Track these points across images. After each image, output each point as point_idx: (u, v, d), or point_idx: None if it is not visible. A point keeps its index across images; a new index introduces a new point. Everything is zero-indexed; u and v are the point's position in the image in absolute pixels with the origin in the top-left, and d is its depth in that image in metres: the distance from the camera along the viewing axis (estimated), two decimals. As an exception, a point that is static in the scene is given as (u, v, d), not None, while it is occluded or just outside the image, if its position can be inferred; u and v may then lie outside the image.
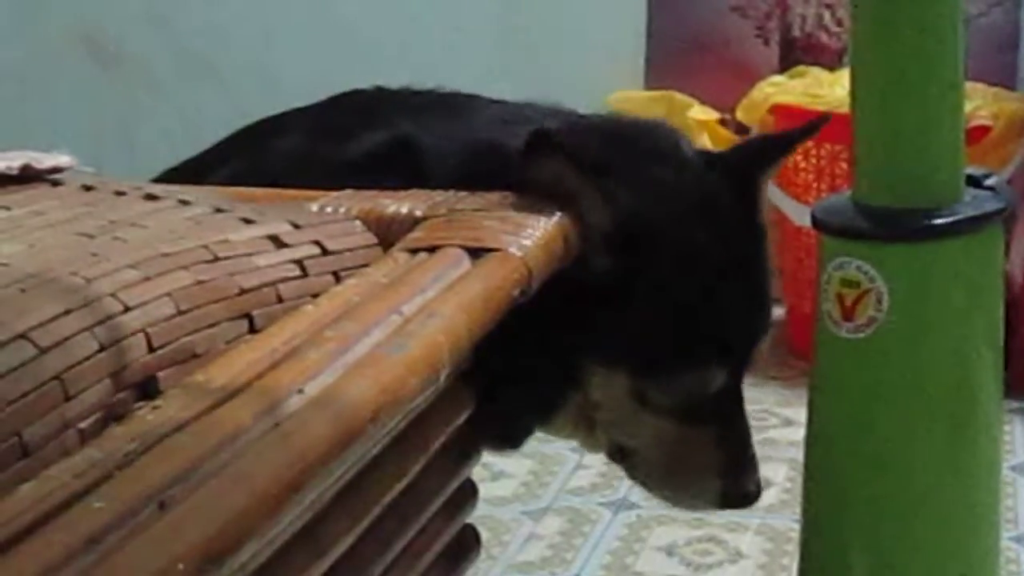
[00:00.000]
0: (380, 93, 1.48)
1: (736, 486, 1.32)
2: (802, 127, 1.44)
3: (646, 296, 1.25)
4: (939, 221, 1.29)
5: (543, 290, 1.11)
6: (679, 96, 3.10)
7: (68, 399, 0.83)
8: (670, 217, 1.27)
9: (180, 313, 0.93)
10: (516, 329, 1.08)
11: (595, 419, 1.32)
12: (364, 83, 1.50)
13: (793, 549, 1.86)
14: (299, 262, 1.05)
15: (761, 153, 1.41)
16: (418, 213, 1.16)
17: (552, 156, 1.20)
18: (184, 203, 1.14)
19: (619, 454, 1.36)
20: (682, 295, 1.27)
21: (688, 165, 1.33)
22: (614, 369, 1.28)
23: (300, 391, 0.81)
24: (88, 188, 1.20)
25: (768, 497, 2.15)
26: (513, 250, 1.08)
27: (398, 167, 1.31)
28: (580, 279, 1.22)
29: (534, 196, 1.19)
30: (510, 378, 1.25)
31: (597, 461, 2.27)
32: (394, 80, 1.50)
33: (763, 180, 1.37)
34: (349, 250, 1.11)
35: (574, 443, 1.43)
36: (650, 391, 1.28)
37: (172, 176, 1.44)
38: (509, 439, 1.39)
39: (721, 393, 1.30)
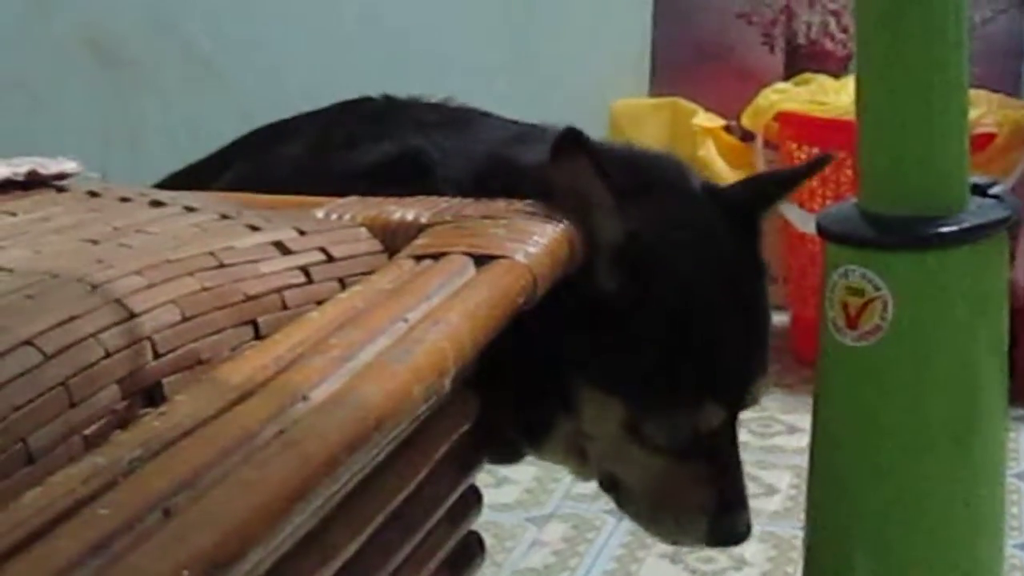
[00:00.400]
0: (389, 103, 1.48)
1: (725, 525, 1.32)
2: (806, 165, 1.46)
3: (646, 323, 1.25)
4: (944, 229, 1.29)
5: (545, 307, 1.11)
6: (684, 103, 3.10)
7: (73, 405, 0.83)
8: (677, 248, 1.27)
9: (185, 319, 0.93)
10: (519, 348, 1.08)
11: (587, 448, 1.32)
12: (368, 89, 1.50)
13: (797, 557, 1.86)
14: (304, 269, 1.05)
15: (764, 191, 1.42)
16: (423, 220, 1.17)
17: (579, 156, 1.20)
18: (189, 209, 1.14)
19: (610, 485, 1.36)
20: (682, 326, 1.26)
21: (695, 199, 1.34)
22: (609, 398, 1.27)
23: (305, 398, 0.81)
24: (94, 194, 1.20)
25: (772, 504, 2.16)
26: (518, 257, 1.08)
27: (406, 179, 1.31)
28: (583, 297, 1.22)
29: (548, 202, 1.19)
30: (510, 399, 1.25)
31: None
32: (399, 86, 1.50)
33: (764, 218, 1.37)
34: (354, 257, 1.11)
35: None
36: (644, 425, 1.28)
37: (176, 180, 1.44)
38: (505, 457, 1.39)
39: (715, 430, 1.30)
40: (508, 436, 1.34)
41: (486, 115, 1.45)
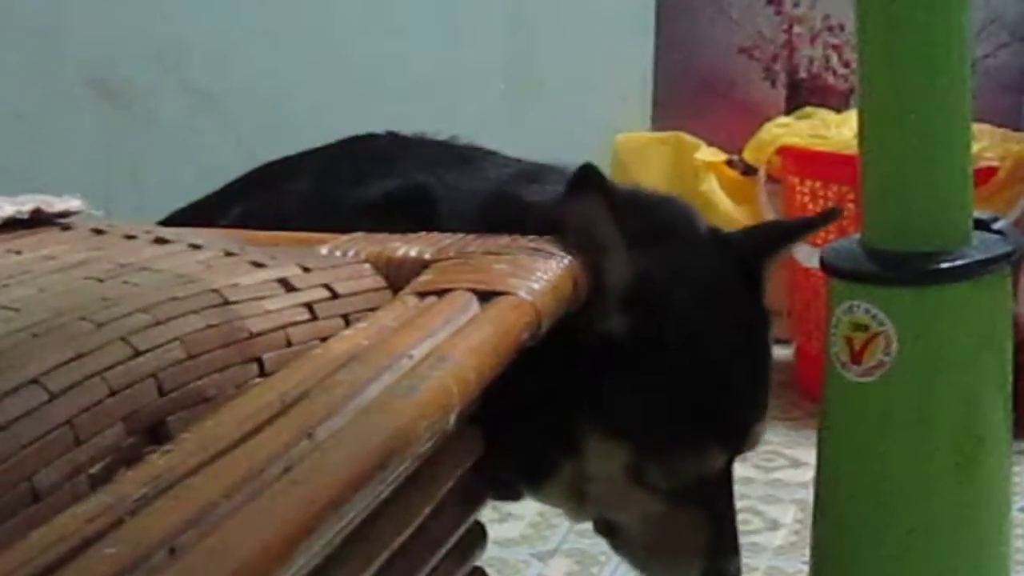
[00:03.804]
0: (394, 139, 1.48)
1: (717, 569, 1.33)
2: (814, 217, 1.46)
3: (653, 366, 1.25)
4: (948, 265, 1.29)
5: (551, 347, 1.11)
6: (686, 137, 3.11)
7: (79, 444, 0.83)
8: (685, 293, 1.28)
9: (190, 357, 0.93)
10: (523, 388, 1.08)
11: (586, 491, 1.32)
12: (371, 124, 1.50)
13: (802, 592, 1.85)
14: (309, 306, 1.05)
15: (770, 238, 1.42)
16: (427, 256, 1.17)
17: (594, 195, 1.20)
18: (194, 247, 1.14)
19: (605, 528, 1.36)
20: (689, 370, 1.27)
21: (703, 245, 1.34)
22: (614, 440, 1.28)
23: (310, 435, 0.81)
24: (98, 232, 1.20)
25: (777, 539, 2.15)
26: (522, 294, 1.08)
27: (412, 216, 1.31)
28: (591, 339, 1.22)
29: (559, 241, 1.20)
30: (512, 439, 1.25)
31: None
32: (400, 122, 1.50)
33: (770, 265, 1.37)
34: (358, 293, 1.11)
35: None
36: (648, 469, 1.28)
37: (181, 217, 1.44)
38: (508, 492, 1.39)
39: (715, 476, 1.31)
40: (505, 477, 1.34)
41: (491, 153, 1.46)
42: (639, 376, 1.25)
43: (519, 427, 1.25)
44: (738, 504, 1.35)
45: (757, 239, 1.41)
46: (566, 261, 1.17)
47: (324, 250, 1.17)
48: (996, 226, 1.34)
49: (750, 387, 1.33)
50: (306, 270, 1.09)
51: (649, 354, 1.25)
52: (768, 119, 2.97)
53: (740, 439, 1.32)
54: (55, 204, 1.23)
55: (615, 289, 1.22)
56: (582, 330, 1.20)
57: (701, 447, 1.29)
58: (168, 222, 1.41)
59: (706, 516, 1.31)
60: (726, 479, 1.33)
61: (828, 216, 1.45)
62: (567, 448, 1.29)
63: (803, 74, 3.17)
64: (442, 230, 1.26)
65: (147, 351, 0.91)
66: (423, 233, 1.23)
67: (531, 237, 1.21)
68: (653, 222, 1.30)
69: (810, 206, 2.76)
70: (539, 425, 1.27)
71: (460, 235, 1.22)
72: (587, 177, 1.20)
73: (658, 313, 1.25)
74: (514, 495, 1.40)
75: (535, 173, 1.38)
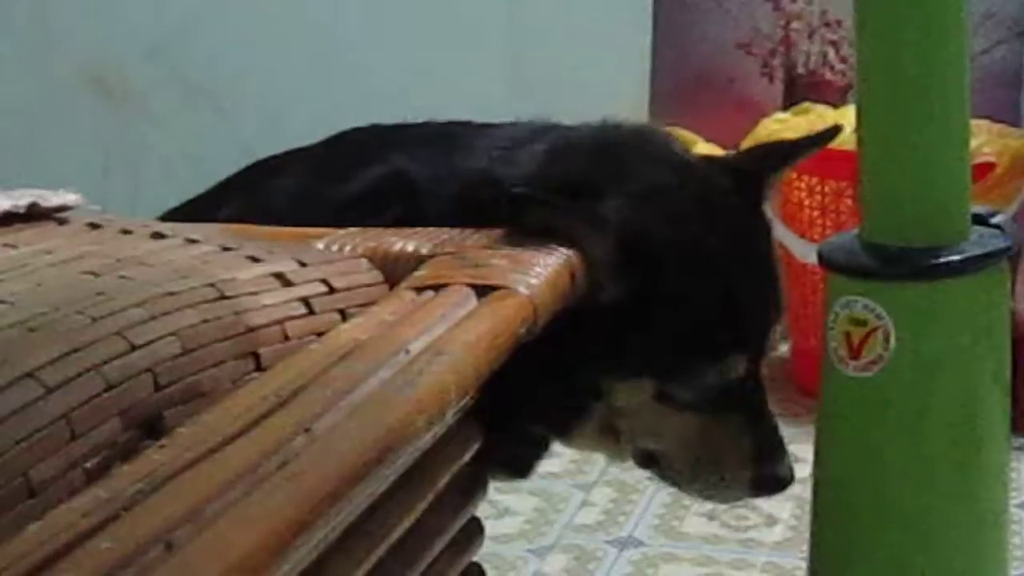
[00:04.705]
0: (376, 130, 1.48)
1: (767, 471, 1.32)
2: (811, 136, 1.43)
3: (661, 305, 1.25)
4: (946, 260, 1.29)
5: (563, 319, 1.11)
6: (683, 132, 3.10)
7: (75, 438, 0.83)
8: (671, 221, 1.27)
9: (186, 352, 0.93)
10: (538, 351, 1.08)
11: (619, 427, 1.32)
12: (367, 119, 1.51)
13: (799, 587, 1.85)
14: (305, 300, 1.05)
15: (767, 156, 1.42)
16: (424, 251, 1.16)
17: (535, 212, 1.21)
18: (191, 241, 1.14)
19: (646, 459, 1.35)
20: (695, 294, 1.27)
21: (684, 166, 1.34)
22: (637, 379, 1.28)
23: (307, 430, 0.81)
24: (94, 226, 1.20)
25: (774, 535, 2.15)
26: (520, 288, 1.08)
27: (393, 202, 1.32)
28: (596, 309, 1.22)
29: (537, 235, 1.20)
30: (534, 395, 1.25)
31: (602, 498, 2.28)
32: (398, 117, 1.50)
33: (769, 181, 1.37)
34: (355, 288, 1.10)
35: (598, 456, 1.41)
36: (673, 390, 1.28)
37: (175, 216, 1.45)
38: (519, 466, 1.39)
39: (741, 382, 1.30)
40: (532, 434, 1.34)
41: (470, 125, 1.45)
42: (649, 317, 1.25)
43: (542, 383, 1.25)
44: (733, 502, 1.35)
45: (754, 157, 1.43)
46: (563, 254, 1.16)
47: (321, 245, 1.17)
48: (994, 221, 1.34)
49: (759, 292, 1.33)
50: (303, 265, 1.09)
51: (653, 297, 1.25)
52: (765, 115, 2.97)
53: (758, 342, 1.32)
54: (52, 199, 1.23)
55: (601, 268, 1.22)
56: (585, 304, 1.20)
57: (721, 359, 1.28)
58: (163, 219, 1.41)
59: (743, 424, 1.31)
60: (756, 384, 1.32)
61: (827, 134, 1.43)
62: (594, 393, 1.29)
63: (801, 70, 3.16)
64: (423, 213, 1.26)
65: (143, 345, 0.91)
66: (419, 228, 1.23)
67: (528, 231, 1.20)
68: (622, 166, 1.30)
69: (807, 201, 2.76)
70: (563, 380, 1.27)
71: (457, 230, 1.22)
72: (519, 205, 1.21)
73: (648, 264, 1.24)
74: (524, 470, 1.39)
75: (510, 139, 1.38)
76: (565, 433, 1.36)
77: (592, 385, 1.29)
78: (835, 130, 1.41)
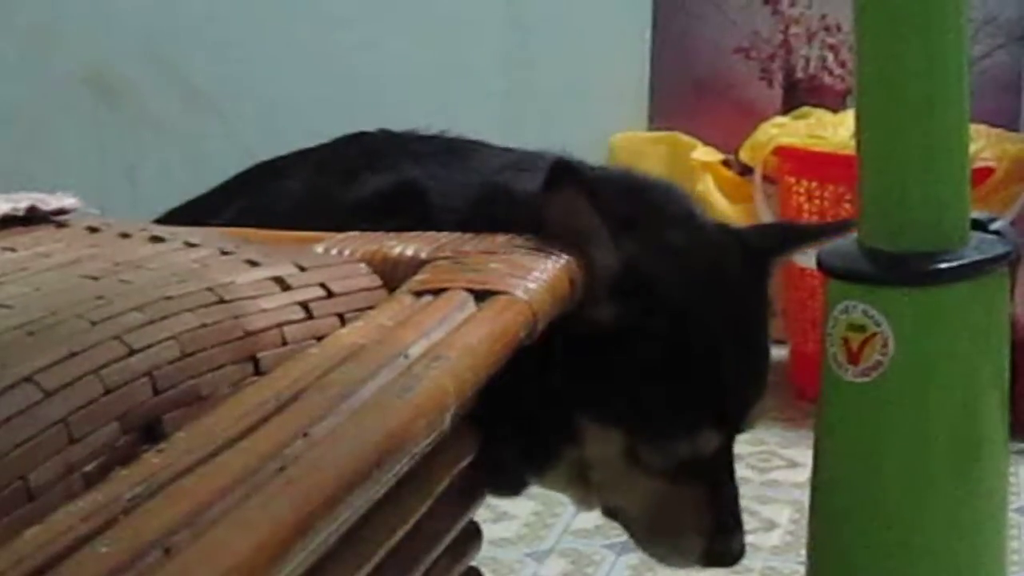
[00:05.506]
0: (385, 136, 1.48)
1: (720, 546, 1.33)
2: (828, 224, 1.45)
3: (645, 351, 1.25)
4: (945, 265, 1.29)
5: (546, 339, 1.11)
6: (683, 137, 3.11)
7: (73, 442, 0.82)
8: (678, 275, 1.27)
9: (185, 356, 0.93)
10: (519, 379, 1.08)
11: (589, 477, 1.33)
12: (368, 124, 1.50)
13: (797, 592, 1.85)
14: (304, 304, 1.05)
15: (781, 236, 1.42)
16: (423, 255, 1.16)
17: (569, 188, 1.20)
18: (189, 245, 1.13)
19: (611, 512, 1.37)
20: (680, 353, 1.27)
21: (701, 229, 1.34)
22: (610, 427, 1.28)
23: (305, 435, 0.81)
24: (93, 230, 1.20)
25: (772, 539, 2.15)
26: (519, 293, 1.08)
27: (403, 211, 1.31)
28: (583, 327, 1.22)
29: (544, 236, 1.19)
30: (512, 429, 1.25)
31: (600, 503, 2.27)
32: (398, 121, 1.50)
33: (776, 261, 1.38)
34: (354, 292, 1.10)
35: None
36: (643, 451, 1.28)
37: (175, 217, 1.44)
38: (507, 487, 1.39)
39: (712, 455, 1.31)
40: (509, 466, 1.34)
41: (482, 144, 1.46)
42: (630, 362, 1.25)
43: (519, 416, 1.25)
44: (734, 504, 1.35)
45: (766, 234, 1.42)
46: (563, 260, 1.16)
47: (320, 249, 1.17)
48: (993, 226, 1.34)
49: (744, 371, 1.33)
50: (302, 269, 1.09)
51: (639, 340, 1.25)
52: (765, 119, 2.98)
53: (735, 421, 1.33)
54: (50, 202, 1.23)
55: (602, 278, 1.22)
56: (574, 318, 1.20)
57: (695, 430, 1.29)
58: (162, 221, 1.41)
59: (706, 495, 1.32)
60: (726, 458, 1.33)
61: (842, 225, 1.44)
62: (567, 436, 1.29)
63: (800, 74, 3.17)
64: (433, 226, 1.26)
65: (142, 349, 0.91)
66: (419, 232, 1.23)
67: (527, 236, 1.21)
68: (641, 206, 1.30)
69: (806, 206, 2.77)
70: (539, 414, 1.27)
71: (456, 234, 1.22)
72: (560, 172, 1.20)
73: (647, 297, 1.24)
74: (514, 490, 1.40)
75: (526, 161, 1.38)
76: (539, 474, 1.36)
77: (566, 423, 1.28)
78: (848, 223, 1.41)
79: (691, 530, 1.33)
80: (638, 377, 1.26)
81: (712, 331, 1.29)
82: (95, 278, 1.02)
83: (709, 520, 1.32)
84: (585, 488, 1.35)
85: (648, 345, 1.25)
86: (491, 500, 1.39)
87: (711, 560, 1.34)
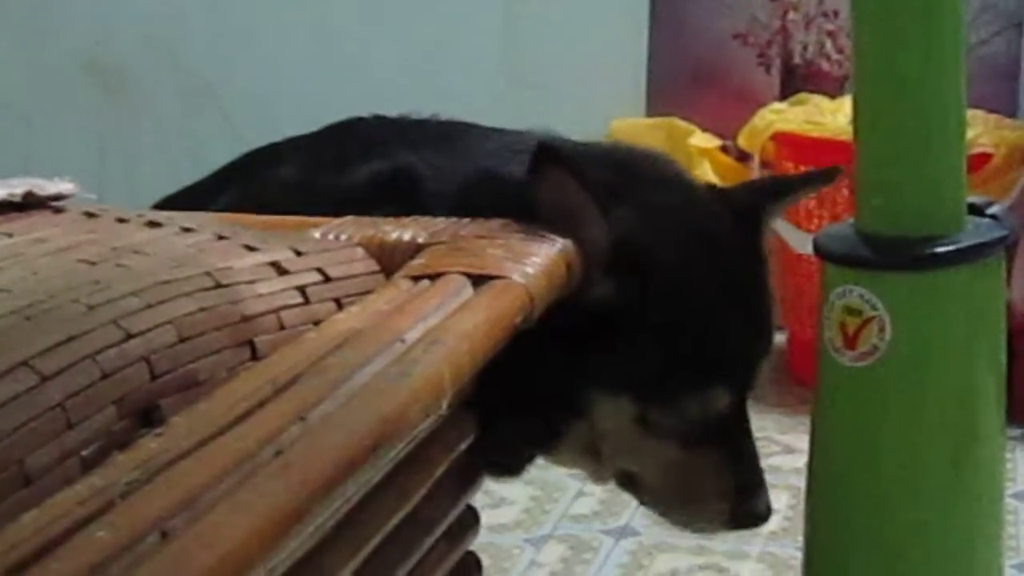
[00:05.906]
0: (378, 122, 1.48)
1: (745, 508, 1.32)
2: (817, 172, 1.45)
3: (647, 320, 1.25)
4: (942, 250, 1.29)
5: (547, 318, 1.11)
6: (680, 123, 3.10)
7: (70, 427, 0.83)
8: (671, 241, 1.28)
9: (182, 340, 0.93)
10: (520, 357, 1.08)
11: (601, 448, 1.32)
12: (365, 112, 1.50)
13: (795, 577, 1.86)
14: (301, 289, 1.05)
15: (769, 189, 1.43)
16: (420, 240, 1.16)
17: (555, 170, 1.20)
18: (186, 230, 1.13)
19: (627, 481, 1.36)
20: (683, 318, 1.27)
21: (689, 192, 1.34)
22: (618, 396, 1.28)
23: (302, 419, 0.81)
24: (90, 215, 1.20)
25: (770, 525, 2.15)
26: (515, 277, 1.08)
27: (396, 197, 1.31)
28: (584, 305, 1.22)
29: (536, 222, 1.20)
30: (515, 407, 1.25)
31: (598, 488, 2.27)
32: (395, 109, 1.50)
33: (768, 214, 1.38)
34: (351, 277, 1.10)
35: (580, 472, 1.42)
36: (654, 415, 1.28)
37: (170, 204, 1.44)
38: (509, 467, 1.39)
39: (725, 415, 1.30)
40: (515, 446, 1.34)
41: (475, 128, 1.45)
42: (634, 333, 1.25)
43: (526, 395, 1.25)
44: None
45: (756, 189, 1.44)
46: (559, 244, 1.16)
47: (317, 234, 1.17)
48: (990, 211, 1.34)
49: (747, 325, 1.33)
50: (299, 254, 1.09)
51: (641, 311, 1.25)
52: (762, 105, 2.97)
53: (743, 377, 1.32)
54: (47, 187, 1.23)
55: (596, 256, 1.22)
56: (573, 298, 1.20)
57: (704, 390, 1.28)
58: (158, 208, 1.41)
59: (724, 456, 1.31)
60: (740, 417, 1.32)
61: (827, 174, 1.44)
62: (575, 410, 1.29)
63: (798, 60, 3.16)
64: (426, 211, 1.25)
65: (139, 334, 0.91)
66: (416, 217, 1.23)
67: (523, 221, 1.20)
68: (629, 177, 1.30)
69: (804, 192, 2.76)
70: (545, 392, 1.27)
71: (453, 219, 1.22)
72: (544, 155, 1.21)
73: (643, 270, 1.25)
74: (515, 470, 1.40)
75: (519, 143, 1.38)
76: (548, 450, 1.36)
77: (573, 398, 1.28)
78: (835, 171, 1.42)
79: (713, 495, 1.32)
80: (641, 345, 1.26)
81: (710, 289, 1.29)
82: (92, 263, 1.02)
83: (731, 482, 1.31)
84: (596, 460, 1.34)
85: (648, 313, 1.25)
86: (489, 485, 1.39)
87: (737, 522, 1.33)
